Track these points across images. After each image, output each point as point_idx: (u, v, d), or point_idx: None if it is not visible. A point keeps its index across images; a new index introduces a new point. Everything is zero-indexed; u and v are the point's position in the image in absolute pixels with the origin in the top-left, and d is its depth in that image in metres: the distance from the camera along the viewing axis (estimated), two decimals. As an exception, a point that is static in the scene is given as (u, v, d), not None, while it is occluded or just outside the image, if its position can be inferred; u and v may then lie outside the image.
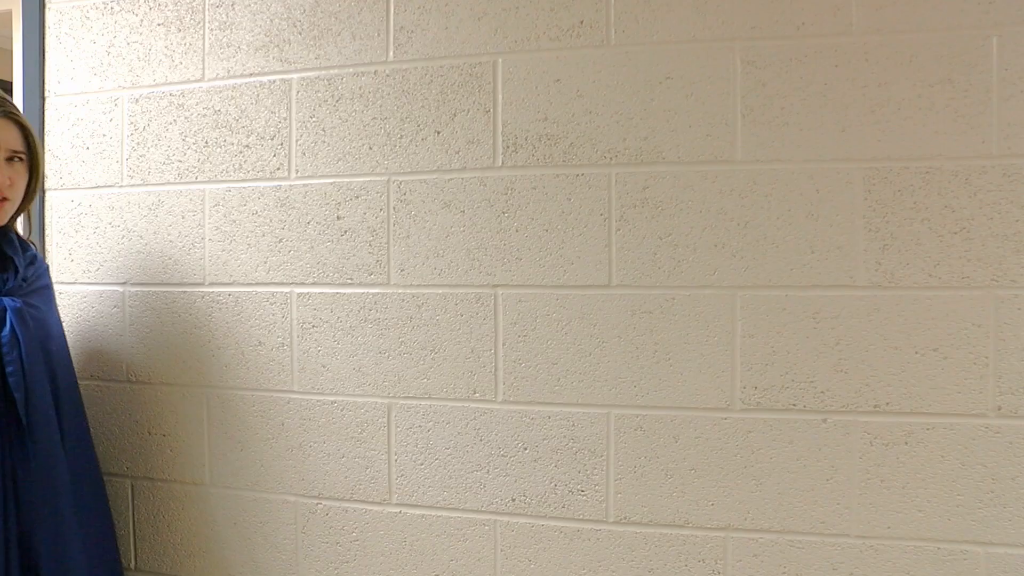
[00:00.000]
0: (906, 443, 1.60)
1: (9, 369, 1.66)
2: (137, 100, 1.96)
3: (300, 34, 1.86)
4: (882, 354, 1.61)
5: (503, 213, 1.75)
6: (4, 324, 1.69)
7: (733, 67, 1.65)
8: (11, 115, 1.71)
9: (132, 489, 2.01)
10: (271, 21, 1.88)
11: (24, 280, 1.76)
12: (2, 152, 1.68)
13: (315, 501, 1.86)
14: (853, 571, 1.62)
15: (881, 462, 1.61)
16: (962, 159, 1.57)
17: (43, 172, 1.80)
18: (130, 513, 2.00)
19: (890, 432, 1.60)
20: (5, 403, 1.66)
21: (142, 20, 1.96)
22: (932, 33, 1.58)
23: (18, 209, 1.77)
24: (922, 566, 1.59)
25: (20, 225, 1.84)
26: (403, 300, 1.80)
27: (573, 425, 1.73)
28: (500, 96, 1.75)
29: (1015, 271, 1.55)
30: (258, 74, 1.89)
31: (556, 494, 1.74)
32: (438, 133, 1.78)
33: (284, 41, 1.87)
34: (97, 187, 2.01)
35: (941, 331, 1.58)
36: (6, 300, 1.71)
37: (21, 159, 1.72)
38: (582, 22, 1.71)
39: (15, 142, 1.71)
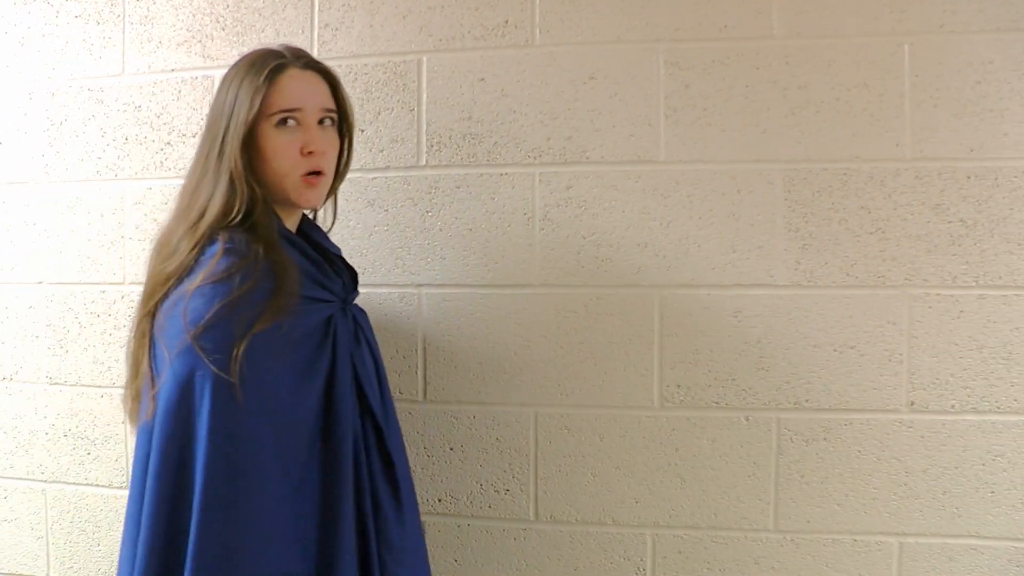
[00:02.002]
0: (825, 439, 1.63)
1: (369, 393, 1.39)
2: (53, 94, 1.90)
3: (223, 30, 1.83)
4: (802, 352, 1.64)
5: (427, 212, 1.74)
6: (359, 343, 1.41)
7: (657, 68, 1.67)
8: (315, 66, 1.39)
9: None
10: (193, 16, 1.84)
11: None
12: (314, 112, 1.34)
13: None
14: (774, 565, 1.65)
15: (801, 458, 1.64)
16: (877, 161, 1.61)
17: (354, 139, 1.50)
18: (45, 519, 1.94)
19: (810, 428, 1.64)
20: (374, 433, 1.39)
21: (58, 12, 1.89)
22: (849, 39, 1.62)
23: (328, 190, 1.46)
24: (839, 558, 1.63)
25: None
26: (328, 300, 1.77)
27: (499, 425, 1.73)
28: (424, 95, 1.74)
29: (927, 271, 1.60)
30: (180, 69, 1.84)
31: (483, 494, 1.74)
32: (362, 131, 1.75)
33: (207, 36, 1.83)
34: (12, 183, 1.93)
35: (858, 329, 1.62)
36: (355, 311, 1.44)
37: (332, 120, 1.39)
38: (507, 22, 1.71)
39: (327, 99, 1.38)
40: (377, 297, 1.76)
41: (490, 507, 1.74)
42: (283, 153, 1.31)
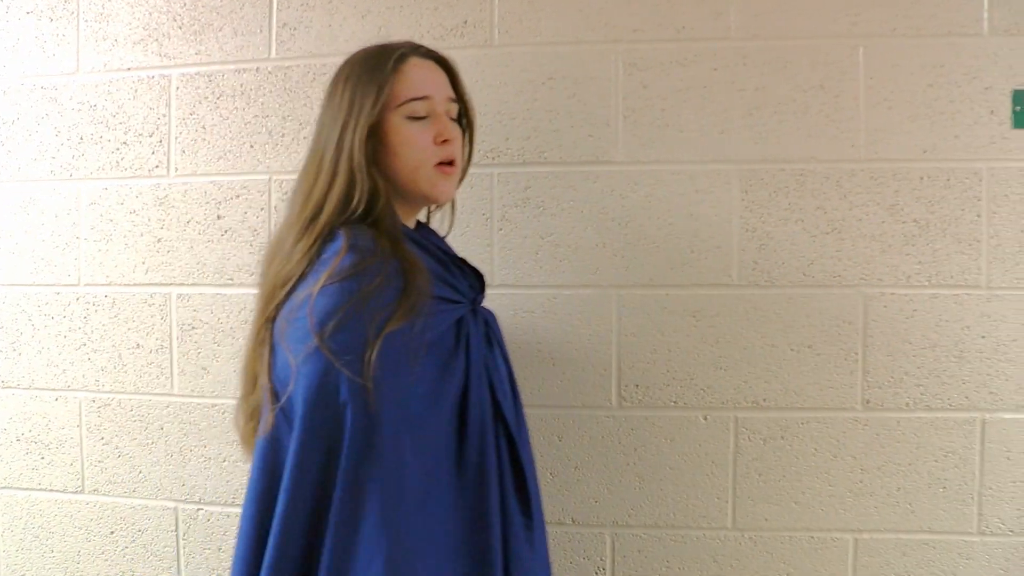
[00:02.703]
0: (782, 438, 1.65)
1: (502, 401, 1.26)
2: (5, 92, 1.87)
3: (180, 28, 1.81)
4: (760, 351, 1.65)
5: (386, 213, 1.73)
6: (491, 347, 1.29)
7: (615, 69, 1.67)
8: (434, 55, 1.29)
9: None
10: (150, 14, 1.82)
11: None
12: (442, 102, 1.25)
13: (196, 507, 1.81)
14: (733, 563, 1.66)
15: (759, 456, 1.65)
16: (833, 162, 1.63)
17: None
18: None
19: (767, 427, 1.65)
20: (507, 443, 1.25)
21: (8, 7, 1.86)
22: (805, 40, 1.64)
23: None
24: (796, 555, 1.65)
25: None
26: (286, 301, 1.76)
27: (457, 425, 1.72)
28: (384, 94, 1.73)
29: (881, 270, 1.62)
30: (136, 68, 1.82)
31: (441, 495, 1.73)
32: (321, 131, 1.74)
33: (164, 35, 1.81)
34: (-37, 183, 1.91)
35: (815, 328, 1.64)
36: (485, 313, 1.33)
37: (456, 111, 1.30)
38: (466, 22, 1.71)
39: (449, 88, 1.29)
40: (336, 298, 1.74)
41: (450, 508, 1.73)
42: (415, 143, 1.22)
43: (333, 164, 1.20)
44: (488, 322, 1.32)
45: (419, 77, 1.23)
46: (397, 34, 1.71)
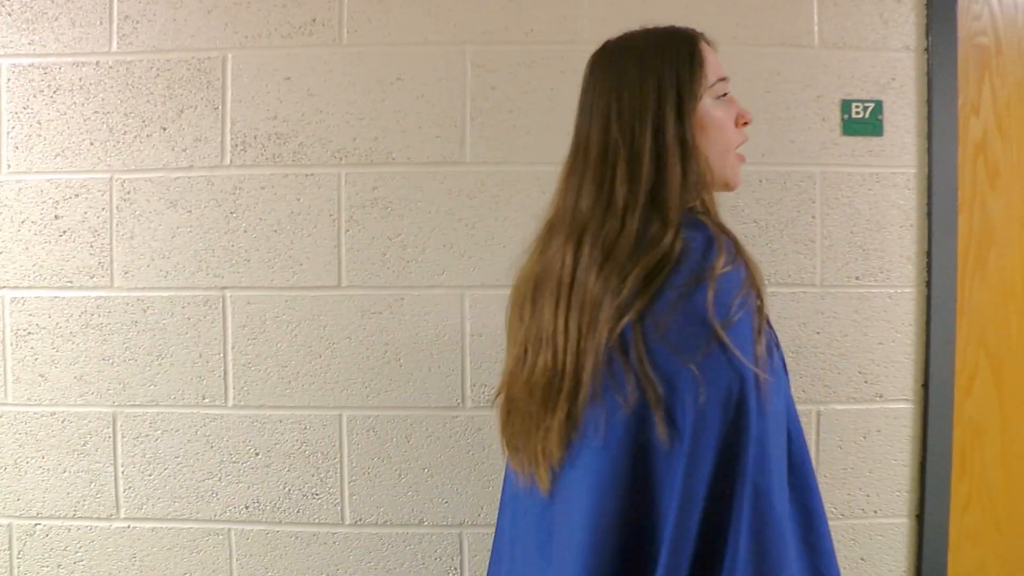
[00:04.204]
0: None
1: (790, 423, 1.10)
2: None
3: (10, 15, 1.72)
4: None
5: (231, 213, 1.69)
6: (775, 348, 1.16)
7: (464, 70, 1.68)
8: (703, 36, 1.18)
9: None
10: (-22, 2, 1.73)
11: None
12: (727, 82, 1.15)
13: (33, 522, 1.73)
14: (584, 558, 1.69)
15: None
16: (678, 165, 1.67)
17: None
18: None
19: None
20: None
21: None
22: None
23: None
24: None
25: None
26: (127, 304, 1.70)
27: (305, 428, 1.70)
28: (229, 93, 1.69)
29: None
30: (-36, 59, 1.73)
31: (290, 499, 1.71)
32: (164, 130, 1.69)
33: (-6, 24, 1.73)
34: None
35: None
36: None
37: None
38: (314, 20, 1.69)
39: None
40: (180, 301, 1.69)
41: (298, 512, 1.71)
42: (727, 126, 1.13)
43: (656, 150, 1.08)
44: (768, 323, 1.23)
45: (714, 58, 1.14)
46: (245, 31, 1.68)
